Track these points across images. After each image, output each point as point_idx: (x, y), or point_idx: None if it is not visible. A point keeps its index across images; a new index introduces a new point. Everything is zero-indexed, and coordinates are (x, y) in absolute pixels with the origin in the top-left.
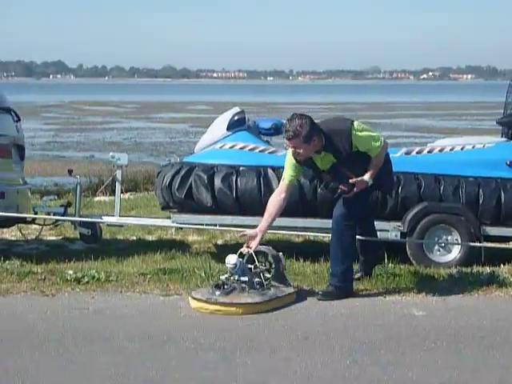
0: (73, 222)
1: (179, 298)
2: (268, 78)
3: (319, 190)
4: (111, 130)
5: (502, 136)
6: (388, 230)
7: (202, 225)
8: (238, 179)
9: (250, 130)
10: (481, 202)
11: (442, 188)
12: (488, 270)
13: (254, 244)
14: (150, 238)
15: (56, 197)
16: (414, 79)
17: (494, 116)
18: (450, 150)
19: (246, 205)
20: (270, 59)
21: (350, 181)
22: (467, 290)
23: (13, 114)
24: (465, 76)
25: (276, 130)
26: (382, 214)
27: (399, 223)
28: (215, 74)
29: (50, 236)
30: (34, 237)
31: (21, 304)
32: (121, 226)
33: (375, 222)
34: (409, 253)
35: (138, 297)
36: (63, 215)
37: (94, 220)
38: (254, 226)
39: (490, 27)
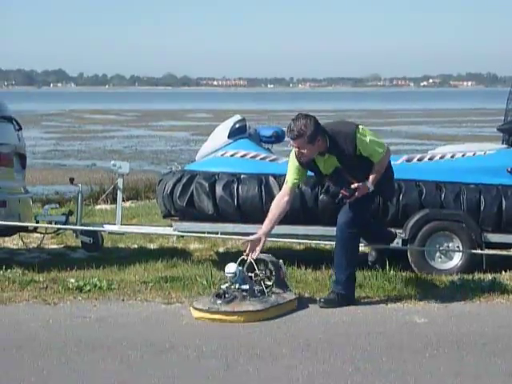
0: (74, 231)
1: (181, 306)
2: (268, 86)
3: (320, 197)
4: (112, 138)
5: (502, 143)
6: None
7: (204, 233)
8: (240, 187)
9: (251, 138)
10: (482, 208)
11: (443, 195)
12: (489, 276)
13: (258, 248)
14: (151, 246)
15: (57, 205)
16: (414, 86)
17: (495, 123)
18: (451, 157)
19: (247, 212)
20: (271, 67)
21: (352, 186)
22: (469, 297)
23: (14, 122)
24: (465, 83)
25: (277, 137)
26: (383, 221)
27: (400, 230)
28: (216, 82)
29: (52, 244)
30: (35, 245)
31: (23, 312)
32: (122, 234)
33: None
34: (410, 260)
35: (140, 305)
36: (65, 224)
37: (95, 228)
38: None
39: (491, 34)
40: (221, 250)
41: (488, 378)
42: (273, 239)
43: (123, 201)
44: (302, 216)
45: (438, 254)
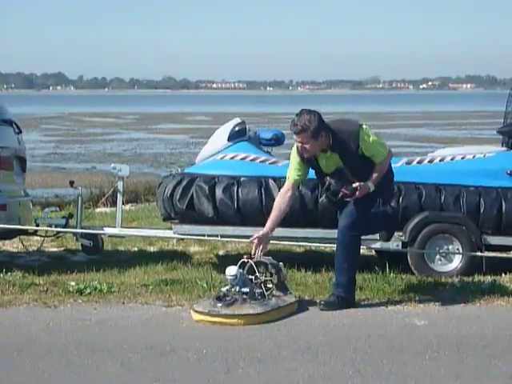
0: (74, 234)
1: (181, 309)
2: (268, 89)
3: (320, 200)
4: (111, 141)
5: (502, 145)
6: (389, 240)
7: (204, 235)
8: (240, 190)
9: (250, 141)
10: (482, 211)
11: (442, 197)
12: (489, 279)
13: (265, 244)
14: (151, 249)
15: (57, 208)
16: (413, 89)
17: (494, 125)
18: (451, 159)
19: (247, 215)
20: (270, 70)
21: (353, 185)
22: (469, 299)
23: (14, 126)
24: (464, 85)
25: (277, 140)
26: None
27: (400, 233)
28: (215, 85)
29: (52, 248)
30: (35, 248)
31: (23, 315)
32: (122, 237)
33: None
34: (410, 262)
35: (140, 308)
36: (65, 227)
37: (95, 231)
38: None
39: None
40: (221, 252)
41: (488, 380)
42: (273, 242)
43: (123, 204)
44: (301, 219)
45: (437, 256)
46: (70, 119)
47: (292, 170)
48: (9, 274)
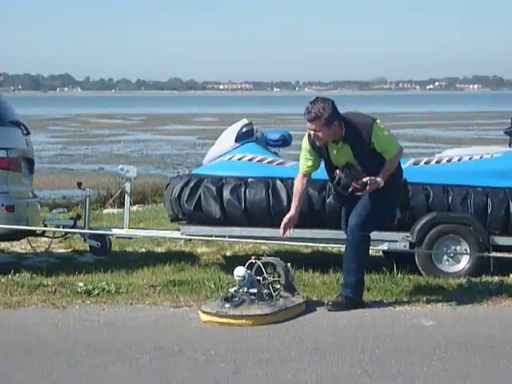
0: (82, 235)
1: (189, 310)
2: (274, 90)
3: (328, 200)
4: (118, 142)
5: (509, 146)
6: (397, 241)
7: (211, 236)
8: (247, 191)
9: (258, 142)
10: (489, 211)
11: (450, 198)
12: (497, 279)
13: (292, 226)
14: (159, 249)
15: (65, 209)
16: (420, 89)
17: (501, 126)
18: (458, 160)
19: (254, 216)
20: (277, 70)
21: (364, 179)
22: (476, 299)
23: (22, 127)
24: (471, 86)
25: (284, 141)
26: (390, 224)
27: (408, 233)
28: (221, 86)
29: (60, 249)
30: (43, 249)
31: (32, 316)
32: (130, 238)
33: (383, 233)
34: (418, 263)
35: (149, 308)
36: (73, 228)
37: (103, 232)
38: (263, 238)
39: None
40: (228, 253)
41: (496, 380)
42: (280, 242)
43: (130, 205)
44: (309, 219)
45: (445, 257)
46: (76, 120)
47: (303, 160)
48: (17, 275)
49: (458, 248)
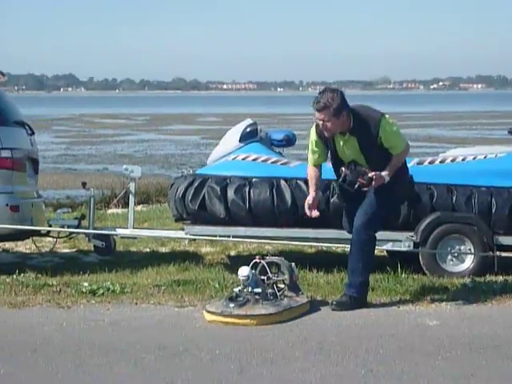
0: (87, 235)
1: (194, 310)
2: (278, 89)
3: (332, 200)
4: (122, 142)
5: None
6: (401, 241)
7: (216, 236)
8: (251, 190)
9: (262, 142)
10: (493, 211)
11: (454, 198)
12: (501, 279)
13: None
14: (163, 249)
15: (70, 209)
16: (423, 89)
17: (505, 125)
18: (462, 159)
19: (258, 216)
20: (280, 70)
21: (369, 175)
22: (481, 299)
23: (27, 127)
24: (475, 85)
25: (288, 141)
26: (394, 224)
27: (412, 233)
28: (225, 86)
29: (64, 249)
30: (48, 249)
31: (36, 316)
32: (134, 238)
33: (387, 233)
34: (422, 263)
35: (153, 308)
36: (77, 228)
37: (107, 232)
38: (267, 238)
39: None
40: (232, 253)
41: (500, 379)
42: (284, 242)
43: (134, 205)
44: (313, 219)
45: (449, 256)
46: (80, 120)
47: (310, 153)
48: (22, 274)
49: (462, 248)
